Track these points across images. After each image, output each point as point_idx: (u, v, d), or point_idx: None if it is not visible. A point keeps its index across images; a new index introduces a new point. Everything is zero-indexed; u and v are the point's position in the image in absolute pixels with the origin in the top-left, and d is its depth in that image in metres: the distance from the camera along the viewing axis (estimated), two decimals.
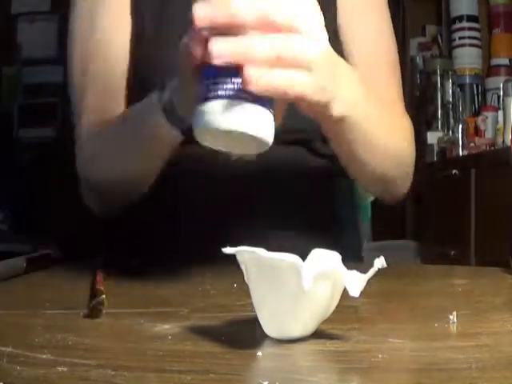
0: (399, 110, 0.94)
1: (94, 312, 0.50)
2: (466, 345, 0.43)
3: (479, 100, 3.11)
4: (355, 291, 0.43)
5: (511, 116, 2.49)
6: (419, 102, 3.40)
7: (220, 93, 0.53)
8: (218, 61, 0.52)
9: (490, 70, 3.10)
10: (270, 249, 0.43)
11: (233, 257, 0.44)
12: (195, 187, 0.90)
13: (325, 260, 0.44)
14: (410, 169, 0.93)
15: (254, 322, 0.45)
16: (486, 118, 2.80)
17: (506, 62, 3.05)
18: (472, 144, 2.78)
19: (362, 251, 1.20)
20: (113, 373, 0.36)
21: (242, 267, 0.45)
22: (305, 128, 0.90)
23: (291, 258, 0.41)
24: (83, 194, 0.92)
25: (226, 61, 0.52)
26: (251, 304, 0.45)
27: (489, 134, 2.78)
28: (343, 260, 0.44)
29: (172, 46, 0.68)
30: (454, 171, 2.62)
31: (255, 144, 0.55)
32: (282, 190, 0.91)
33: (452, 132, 2.97)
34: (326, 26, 0.62)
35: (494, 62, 3.08)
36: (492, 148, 2.64)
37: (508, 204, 1.82)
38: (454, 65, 3.18)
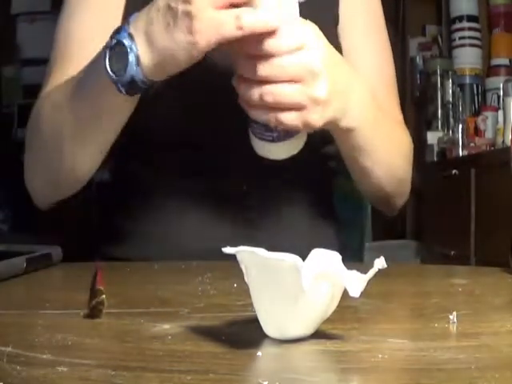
0: (402, 129, 0.96)
1: (94, 312, 0.50)
2: (466, 345, 0.43)
3: (479, 100, 3.11)
4: (355, 291, 0.43)
5: (511, 116, 2.49)
6: (419, 102, 3.40)
7: (272, 135, 0.73)
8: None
9: (489, 70, 3.11)
10: (269, 249, 0.43)
11: (233, 257, 0.44)
12: (194, 186, 0.90)
13: (325, 260, 0.44)
14: (408, 187, 0.95)
15: (254, 322, 0.45)
16: (486, 118, 2.80)
17: (506, 62, 3.05)
18: (472, 144, 2.78)
19: (363, 251, 1.20)
20: (113, 373, 0.36)
21: (242, 267, 0.45)
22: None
23: (291, 257, 0.41)
24: (26, 172, 0.89)
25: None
26: (251, 304, 0.45)
27: (489, 134, 2.78)
28: (343, 260, 0.44)
29: None
30: (454, 171, 2.62)
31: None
32: (283, 189, 0.91)
33: (452, 132, 2.97)
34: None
35: (494, 62, 3.08)
36: (492, 148, 2.64)
37: (508, 204, 1.82)
38: (454, 65, 3.18)
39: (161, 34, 0.66)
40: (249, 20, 0.63)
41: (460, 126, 2.88)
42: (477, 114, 2.98)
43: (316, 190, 0.95)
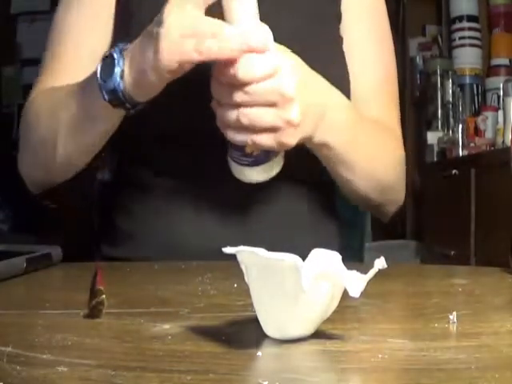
0: (397, 140, 0.97)
1: (93, 312, 0.50)
2: (466, 345, 0.43)
3: (479, 100, 3.11)
4: (355, 291, 0.43)
5: (511, 116, 2.49)
6: (419, 102, 3.40)
7: (248, 160, 0.77)
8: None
9: (489, 70, 3.11)
10: (269, 248, 0.43)
11: (233, 257, 0.44)
12: (194, 186, 0.90)
13: (325, 260, 0.44)
14: (398, 196, 0.96)
15: (254, 321, 0.45)
16: (486, 118, 2.80)
17: (506, 62, 3.05)
18: (472, 144, 2.78)
19: (363, 251, 1.20)
20: (113, 373, 0.36)
21: (242, 267, 0.45)
22: None
23: (291, 257, 0.41)
24: (19, 156, 0.94)
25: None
26: (251, 304, 0.45)
27: (489, 134, 2.78)
28: (343, 260, 0.44)
29: None
30: (454, 171, 2.62)
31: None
32: (284, 189, 0.91)
33: (452, 132, 2.97)
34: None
35: (494, 62, 3.08)
36: (492, 148, 2.64)
37: (508, 204, 1.82)
38: (454, 65, 3.18)
39: (138, 54, 0.72)
40: (208, 46, 0.66)
41: (460, 126, 2.88)
42: (477, 113, 2.98)
43: (317, 191, 0.95)
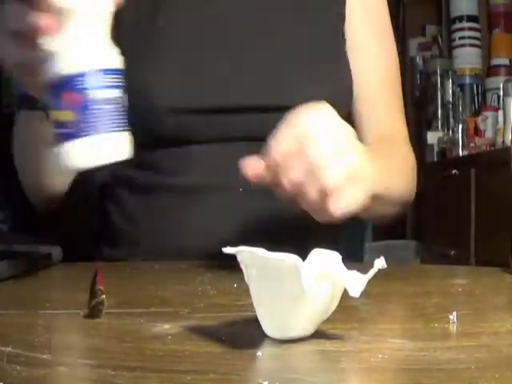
0: (407, 144, 0.97)
1: (93, 312, 0.50)
2: (466, 345, 0.43)
3: (479, 100, 3.11)
4: (355, 291, 0.43)
5: (511, 116, 2.49)
6: (419, 102, 3.40)
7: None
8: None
9: (489, 70, 3.10)
10: (269, 248, 0.43)
11: (233, 257, 0.44)
12: (194, 186, 0.90)
13: (325, 260, 0.44)
14: (411, 199, 0.96)
15: (254, 322, 0.45)
16: (486, 118, 2.80)
17: (506, 62, 3.05)
18: (472, 144, 2.78)
19: (363, 251, 1.20)
20: (113, 373, 0.36)
21: (242, 267, 0.45)
22: None
23: (291, 257, 0.41)
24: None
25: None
26: (251, 304, 0.45)
27: (489, 134, 2.78)
28: (343, 260, 0.44)
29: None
30: (454, 171, 2.62)
31: None
32: None
33: (452, 132, 2.97)
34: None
35: (494, 62, 3.08)
36: (492, 148, 2.64)
37: (508, 204, 1.82)
38: (454, 65, 3.18)
39: None
40: None
41: (460, 126, 2.88)
42: (477, 114, 2.98)
43: None
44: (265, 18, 0.93)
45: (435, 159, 3.01)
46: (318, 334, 0.45)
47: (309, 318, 0.44)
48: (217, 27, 0.91)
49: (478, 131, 2.83)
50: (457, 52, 3.19)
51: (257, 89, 0.89)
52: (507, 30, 3.08)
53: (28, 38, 0.57)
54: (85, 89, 0.56)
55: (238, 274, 0.45)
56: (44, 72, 0.57)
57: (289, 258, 0.41)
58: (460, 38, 3.17)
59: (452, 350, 0.42)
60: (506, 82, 2.66)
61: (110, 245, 0.96)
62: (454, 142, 2.87)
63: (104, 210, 0.99)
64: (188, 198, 0.89)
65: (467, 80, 3.12)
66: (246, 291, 0.45)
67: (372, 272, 0.44)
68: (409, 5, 3.58)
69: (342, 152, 0.64)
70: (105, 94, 0.57)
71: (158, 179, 0.91)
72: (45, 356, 0.40)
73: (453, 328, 0.48)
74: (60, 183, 0.91)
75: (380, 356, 0.40)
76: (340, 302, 0.45)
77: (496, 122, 2.69)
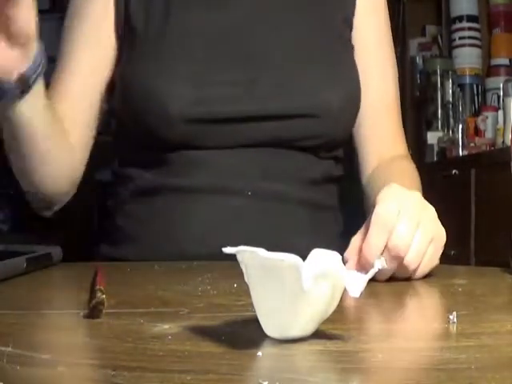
0: (408, 157, 1.00)
1: (93, 312, 0.50)
2: (466, 345, 0.43)
3: (479, 100, 3.11)
4: (355, 291, 0.43)
5: (511, 116, 2.49)
6: (419, 102, 3.40)
7: None
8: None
9: (489, 70, 3.10)
10: (270, 248, 0.43)
11: (233, 257, 0.44)
12: (194, 187, 0.90)
13: (325, 260, 0.44)
14: None
15: (254, 322, 0.45)
16: (486, 117, 2.80)
17: (506, 61, 3.05)
18: (472, 144, 2.78)
19: None
20: (113, 373, 0.36)
21: (242, 267, 0.45)
22: (315, 135, 0.91)
23: (291, 257, 0.41)
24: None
25: None
26: (251, 304, 0.45)
27: (489, 134, 2.78)
28: (343, 260, 0.44)
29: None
30: (454, 171, 2.62)
31: None
32: (286, 192, 0.91)
33: (452, 132, 2.97)
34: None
35: (494, 62, 3.08)
36: (492, 148, 2.64)
37: (508, 204, 1.82)
38: (454, 65, 3.18)
39: None
40: None
41: (460, 126, 2.88)
42: (477, 114, 2.98)
43: (318, 192, 0.95)
44: (277, 26, 0.93)
45: (435, 159, 3.01)
46: (318, 334, 0.45)
47: (309, 318, 0.44)
48: (229, 36, 0.91)
49: (478, 131, 2.82)
50: (457, 52, 3.19)
51: (269, 97, 0.89)
52: (507, 30, 3.08)
53: None
54: None
55: (238, 273, 0.45)
56: None
57: (289, 258, 0.41)
58: (460, 38, 3.17)
59: (452, 350, 0.42)
60: (506, 82, 2.66)
61: (110, 245, 0.96)
62: (454, 142, 2.87)
63: (104, 211, 0.99)
64: (192, 200, 0.89)
65: (467, 80, 3.12)
66: (246, 291, 0.45)
67: (372, 272, 0.44)
68: (409, 5, 3.58)
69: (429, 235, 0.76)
70: None
71: (161, 180, 0.91)
72: (45, 356, 0.40)
73: (453, 328, 0.48)
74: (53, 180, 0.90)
75: (380, 356, 0.40)
76: (340, 301, 0.45)
77: (496, 122, 2.69)
